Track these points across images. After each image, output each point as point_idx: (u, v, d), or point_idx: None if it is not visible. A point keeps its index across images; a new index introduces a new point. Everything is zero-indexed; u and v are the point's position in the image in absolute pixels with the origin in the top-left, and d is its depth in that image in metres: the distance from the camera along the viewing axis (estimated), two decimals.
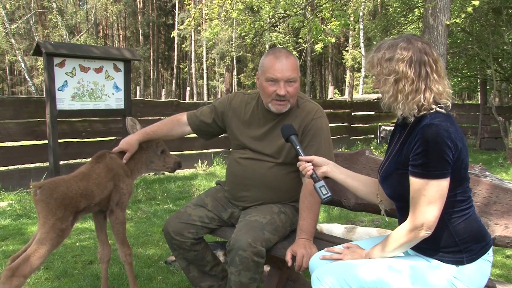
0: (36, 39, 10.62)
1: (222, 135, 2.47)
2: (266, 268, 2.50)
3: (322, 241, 2.16)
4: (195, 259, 2.26)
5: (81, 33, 26.03)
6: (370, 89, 22.47)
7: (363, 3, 18.62)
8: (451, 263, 1.50)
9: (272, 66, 2.02)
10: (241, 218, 2.13)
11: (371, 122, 11.35)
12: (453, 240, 1.50)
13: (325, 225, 3.31)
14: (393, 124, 4.91)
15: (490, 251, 1.56)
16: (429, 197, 1.42)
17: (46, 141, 5.07)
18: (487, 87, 13.84)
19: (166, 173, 5.80)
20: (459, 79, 14.33)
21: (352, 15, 11.71)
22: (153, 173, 6.32)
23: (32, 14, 23.79)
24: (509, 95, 17.19)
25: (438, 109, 1.46)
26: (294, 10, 9.15)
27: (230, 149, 3.11)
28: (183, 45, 32.74)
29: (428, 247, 1.53)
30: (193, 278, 2.32)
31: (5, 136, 5.15)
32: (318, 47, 8.53)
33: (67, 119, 5.52)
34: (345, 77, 27.82)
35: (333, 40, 9.24)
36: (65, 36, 23.15)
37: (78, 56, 4.90)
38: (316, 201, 1.97)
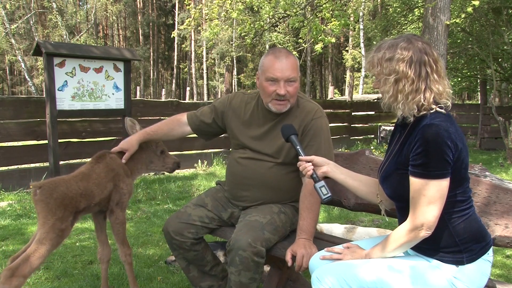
0: (36, 39, 10.62)
1: (222, 135, 2.47)
2: (266, 268, 2.50)
3: (322, 241, 2.16)
4: (195, 259, 2.26)
5: (81, 33, 26.04)
6: (370, 89, 22.47)
7: (363, 3, 18.62)
8: (451, 263, 1.50)
9: (272, 66, 2.02)
10: (241, 218, 2.13)
11: (371, 122, 11.35)
12: (453, 240, 1.50)
13: (325, 225, 3.31)
14: (393, 124, 4.91)
15: (490, 251, 1.56)
16: (429, 197, 1.42)
17: (46, 141, 5.07)
18: (487, 87, 13.84)
19: (166, 173, 5.82)
20: (459, 79, 14.33)
21: (352, 15, 11.70)
22: (153, 173, 6.32)
23: (32, 14, 23.79)
24: (509, 95, 17.20)
25: (438, 109, 1.46)
26: (294, 10, 9.16)
27: (230, 149, 3.11)
28: (183, 45, 32.74)
29: (428, 247, 1.53)
30: (193, 278, 2.32)
31: (5, 136, 5.15)
32: (318, 47, 8.53)
33: (67, 119, 5.52)
34: (345, 77, 27.82)
35: (333, 40, 9.24)
36: (65, 36, 23.15)
37: (78, 56, 4.90)
38: (316, 201, 1.97)
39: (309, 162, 1.72)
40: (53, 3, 22.54)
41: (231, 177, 2.25)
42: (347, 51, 25.85)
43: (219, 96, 31.27)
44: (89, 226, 3.97)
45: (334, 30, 8.29)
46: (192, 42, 28.79)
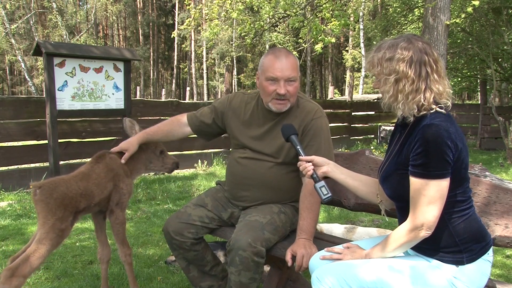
0: (36, 39, 10.62)
1: (222, 135, 2.48)
2: (266, 268, 2.50)
3: (322, 241, 2.16)
4: (195, 259, 2.26)
5: (81, 33, 26.04)
6: (370, 89, 22.47)
7: (363, 3, 18.62)
8: (451, 263, 1.50)
9: (272, 66, 2.02)
10: (241, 218, 2.13)
11: (371, 122, 11.35)
12: (453, 240, 1.50)
13: (325, 225, 3.31)
14: (393, 124, 4.92)
15: (490, 251, 1.56)
16: (429, 197, 1.42)
17: (46, 141, 5.07)
18: (487, 87, 13.84)
19: (165, 173, 5.82)
20: (459, 79, 14.33)
21: (352, 15, 11.70)
22: (153, 173, 6.32)
23: (32, 14, 23.79)
24: (509, 95, 17.20)
25: (438, 109, 1.46)
26: (294, 10, 9.16)
27: (230, 149, 3.11)
28: (183, 45, 32.74)
29: (428, 247, 1.53)
30: (193, 278, 2.32)
31: (5, 136, 5.15)
32: (318, 47, 8.53)
33: (67, 119, 5.51)
34: (345, 77, 27.82)
35: (333, 40, 9.24)
36: (65, 36, 23.16)
37: (78, 56, 4.90)
38: (316, 201, 1.97)
39: (309, 162, 1.72)
40: (53, 3, 22.54)
41: (231, 177, 2.25)
42: (347, 51, 25.86)
43: (219, 96, 31.30)
44: (89, 226, 3.97)
45: (334, 30, 8.29)
46: (192, 42, 28.79)
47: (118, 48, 7.75)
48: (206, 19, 11.56)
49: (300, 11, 9.19)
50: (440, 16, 6.72)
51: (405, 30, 13.37)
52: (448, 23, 6.81)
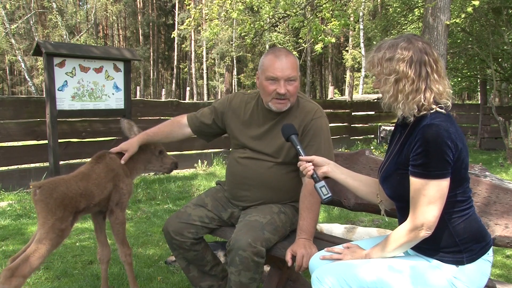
0: (36, 39, 10.62)
1: (223, 135, 2.48)
2: (266, 268, 2.50)
3: (322, 241, 2.16)
4: (195, 259, 2.26)
5: (81, 33, 26.04)
6: (370, 89, 22.47)
7: (363, 3, 18.62)
8: (451, 263, 1.50)
9: (272, 65, 2.02)
10: (241, 218, 2.13)
11: (371, 122, 11.35)
12: (453, 240, 1.50)
13: (325, 225, 3.31)
14: (393, 124, 4.92)
15: (490, 251, 1.56)
16: (429, 197, 1.42)
17: (46, 141, 5.07)
18: (487, 87, 13.84)
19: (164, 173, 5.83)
20: (459, 79, 14.33)
21: (352, 15, 11.71)
22: (153, 173, 6.32)
23: (32, 14, 23.79)
24: (509, 95, 17.20)
25: (438, 109, 1.46)
26: (294, 10, 9.16)
27: (230, 149, 3.11)
28: (183, 45, 32.74)
29: (428, 247, 1.53)
30: (193, 278, 2.32)
31: (5, 136, 5.15)
32: (318, 47, 8.53)
33: (67, 119, 5.51)
34: (345, 77, 27.82)
35: (333, 40, 9.24)
36: (65, 36, 23.15)
37: (78, 56, 4.90)
38: (316, 201, 1.97)
39: (309, 162, 1.72)
40: (53, 3, 22.54)
41: (231, 177, 2.25)
42: (347, 51, 25.85)
43: (219, 96, 31.31)
44: (89, 226, 3.96)
45: (334, 30, 8.29)
46: (192, 42, 28.79)
47: (118, 48, 7.75)
48: (206, 19, 11.56)
49: (300, 11, 9.19)
50: (440, 16, 6.72)
51: (405, 30, 13.37)
52: (448, 23, 6.81)
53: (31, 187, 1.99)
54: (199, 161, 7.09)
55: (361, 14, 19.56)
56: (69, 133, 5.61)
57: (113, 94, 5.24)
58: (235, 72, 28.67)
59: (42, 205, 1.96)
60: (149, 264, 3.11)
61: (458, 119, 11.56)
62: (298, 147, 1.79)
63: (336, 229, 3.23)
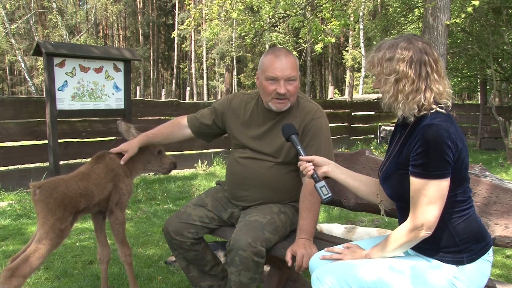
0: (36, 39, 10.62)
1: (223, 136, 2.48)
2: (266, 268, 2.50)
3: (322, 241, 2.16)
4: (195, 259, 2.26)
5: (81, 33, 26.04)
6: (370, 89, 22.47)
7: (363, 3, 18.62)
8: (451, 263, 1.50)
9: (271, 65, 2.02)
10: (241, 218, 2.13)
11: (371, 122, 11.35)
12: (453, 240, 1.50)
13: (325, 225, 3.31)
14: (393, 124, 4.92)
15: (490, 251, 1.56)
16: (429, 197, 1.42)
17: (46, 141, 5.07)
18: (487, 87, 13.84)
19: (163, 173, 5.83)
20: (459, 79, 14.33)
21: (352, 15, 11.70)
22: (153, 173, 6.32)
23: (32, 14, 23.79)
24: (509, 95, 17.20)
25: (438, 109, 1.46)
26: (294, 10, 9.16)
27: (230, 149, 3.11)
28: (183, 45, 32.74)
29: (428, 247, 1.53)
30: (193, 278, 2.32)
31: (5, 136, 5.15)
32: (318, 47, 8.53)
33: (67, 119, 5.51)
34: (345, 77, 27.82)
35: (333, 40, 9.24)
36: (65, 36, 23.15)
37: (78, 56, 4.90)
38: (316, 201, 1.97)
39: (309, 162, 1.72)
40: (53, 3, 22.54)
41: (231, 177, 2.25)
42: (347, 51, 25.85)
43: (219, 96, 31.31)
44: (89, 226, 3.96)
45: (334, 30, 8.29)
46: (192, 42, 28.79)
47: (118, 48, 7.75)
48: (206, 19, 11.56)
49: (300, 11, 9.19)
50: (440, 16, 6.72)
51: (405, 30, 13.38)
52: (448, 23, 6.81)
53: (30, 187, 1.99)
54: (199, 161, 7.08)
55: (361, 14, 19.56)
56: (69, 133, 5.61)
57: (113, 94, 5.24)
58: (235, 72, 28.67)
59: (42, 205, 1.96)
60: (149, 264, 3.11)
61: (458, 119, 11.56)
62: (299, 147, 1.79)
63: (336, 229, 3.23)
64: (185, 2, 10.97)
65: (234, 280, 1.95)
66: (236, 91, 25.41)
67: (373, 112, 11.47)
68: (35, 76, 27.05)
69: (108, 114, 5.41)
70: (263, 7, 9.34)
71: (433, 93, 1.46)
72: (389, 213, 1.82)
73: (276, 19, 11.12)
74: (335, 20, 8.08)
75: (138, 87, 24.30)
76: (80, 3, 32.39)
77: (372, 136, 11.16)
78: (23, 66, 22.03)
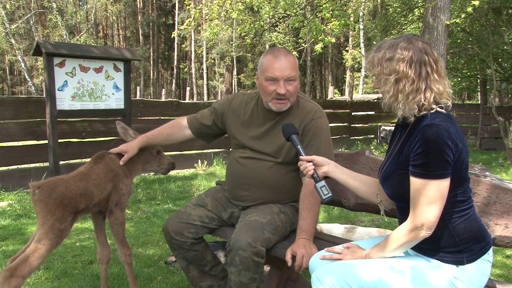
0: (36, 39, 10.62)
1: (223, 136, 2.48)
2: (266, 268, 2.50)
3: (322, 241, 2.16)
4: (195, 259, 2.26)
5: (81, 33, 26.04)
6: (370, 89, 22.47)
7: (363, 3, 18.62)
8: (451, 263, 1.50)
9: (271, 65, 2.02)
10: (241, 218, 2.13)
11: (371, 122, 11.35)
12: (453, 240, 1.50)
13: (325, 225, 3.31)
14: (393, 124, 4.92)
15: (490, 251, 1.55)
16: (430, 197, 1.42)
17: (46, 141, 5.07)
18: (487, 87, 13.84)
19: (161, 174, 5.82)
20: (459, 79, 14.33)
21: (352, 15, 11.70)
22: (153, 173, 6.32)
23: (32, 14, 23.79)
24: (509, 95, 17.20)
25: (438, 109, 1.46)
26: (294, 10, 9.16)
27: (230, 149, 3.11)
28: (183, 45, 32.74)
29: (428, 247, 1.53)
30: (193, 278, 2.32)
31: (5, 136, 5.15)
32: (318, 47, 8.53)
33: (67, 119, 5.51)
34: (345, 77, 27.82)
35: (333, 40, 9.24)
36: (65, 36, 23.16)
37: (78, 56, 4.90)
38: (316, 201, 1.97)
39: (310, 162, 1.72)
40: (53, 3, 22.54)
41: (231, 177, 2.25)
42: (347, 51, 25.85)
43: (219, 96, 31.32)
44: (89, 226, 3.96)
45: (334, 30, 8.29)
46: (192, 42, 28.79)
47: (118, 48, 7.75)
48: (206, 19, 11.56)
49: (300, 11, 9.19)
50: (440, 16, 6.72)
51: (405, 30, 13.38)
52: (448, 23, 6.81)
53: (30, 187, 1.98)
54: (199, 161, 7.08)
55: (361, 14, 19.56)
56: (69, 133, 5.61)
57: (113, 94, 5.24)
58: (235, 72, 28.67)
59: (41, 205, 1.96)
60: (149, 264, 3.11)
61: (458, 119, 11.56)
62: (299, 146, 1.79)
63: (336, 229, 3.23)
64: (185, 2, 10.98)
65: (234, 280, 1.95)
66: (236, 91, 25.43)
67: (373, 112, 11.47)
68: (35, 76, 27.05)
69: (108, 114, 5.41)
70: (263, 7, 9.34)
71: (433, 93, 1.46)
72: (389, 213, 1.82)
73: (276, 19, 11.12)
74: (335, 20, 8.08)
75: (138, 87, 24.31)
76: (80, 3, 32.41)
77: (372, 136, 11.16)
78: (23, 66, 22.03)
